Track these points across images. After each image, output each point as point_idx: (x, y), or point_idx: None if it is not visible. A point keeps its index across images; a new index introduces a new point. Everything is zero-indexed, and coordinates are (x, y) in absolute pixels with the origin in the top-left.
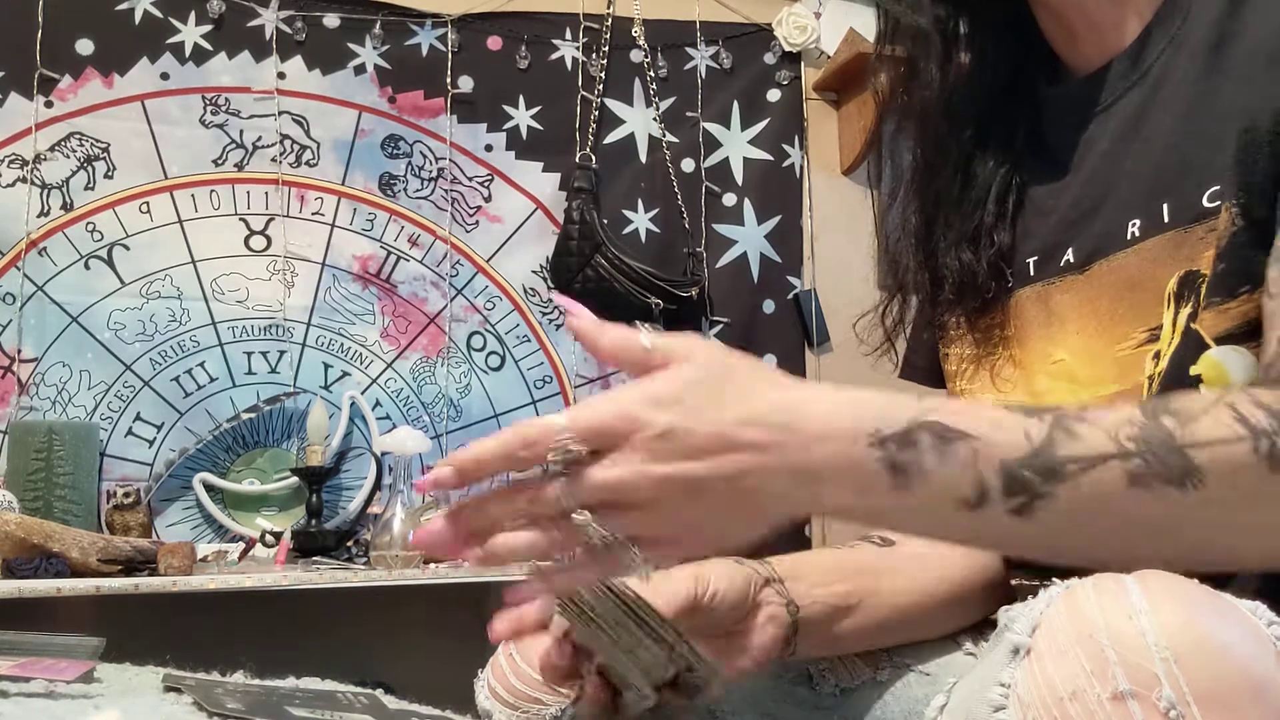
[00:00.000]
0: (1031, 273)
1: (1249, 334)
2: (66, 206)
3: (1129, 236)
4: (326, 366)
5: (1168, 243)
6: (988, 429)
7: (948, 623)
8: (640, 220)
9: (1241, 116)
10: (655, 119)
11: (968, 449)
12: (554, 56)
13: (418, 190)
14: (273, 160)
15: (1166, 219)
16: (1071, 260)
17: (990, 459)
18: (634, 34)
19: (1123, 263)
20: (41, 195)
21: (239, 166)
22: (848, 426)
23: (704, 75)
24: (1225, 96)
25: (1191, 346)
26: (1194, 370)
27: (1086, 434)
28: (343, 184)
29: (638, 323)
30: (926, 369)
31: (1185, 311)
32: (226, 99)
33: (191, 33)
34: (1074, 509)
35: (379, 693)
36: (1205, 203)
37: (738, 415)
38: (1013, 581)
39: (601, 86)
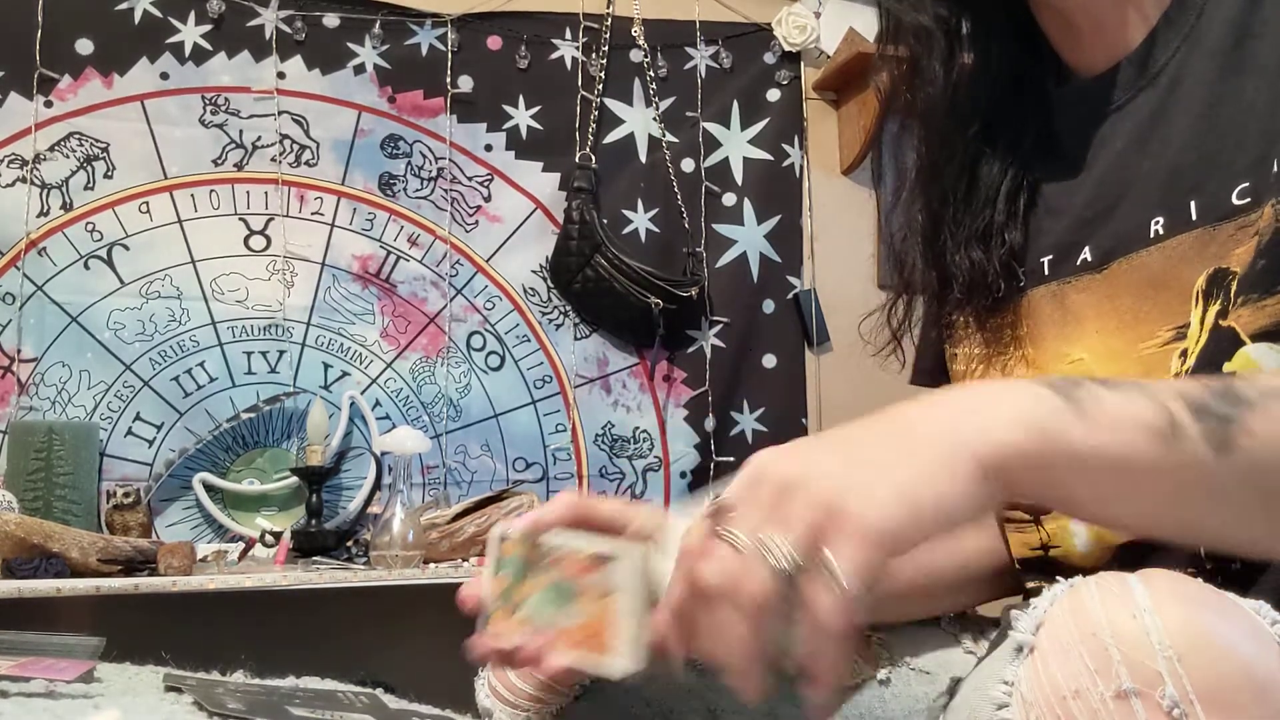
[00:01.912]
0: (1046, 272)
1: None
2: (66, 206)
3: (1151, 234)
4: (326, 366)
5: (1195, 240)
6: (1156, 383)
7: (955, 601)
8: (640, 220)
9: (1269, 113)
10: (655, 119)
11: (1135, 385)
12: (554, 56)
13: (417, 190)
14: (272, 160)
15: (1195, 217)
16: (1089, 259)
17: (1165, 389)
18: (634, 34)
19: (1145, 261)
20: (41, 195)
21: (239, 166)
22: (1015, 384)
23: (704, 75)
24: (1248, 94)
25: (1223, 343)
26: (1228, 367)
27: (1258, 378)
28: (342, 184)
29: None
30: (931, 370)
31: (1214, 309)
32: (226, 99)
33: (191, 33)
34: (1271, 439)
35: (379, 692)
36: (1235, 200)
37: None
38: (1027, 585)
39: (601, 86)
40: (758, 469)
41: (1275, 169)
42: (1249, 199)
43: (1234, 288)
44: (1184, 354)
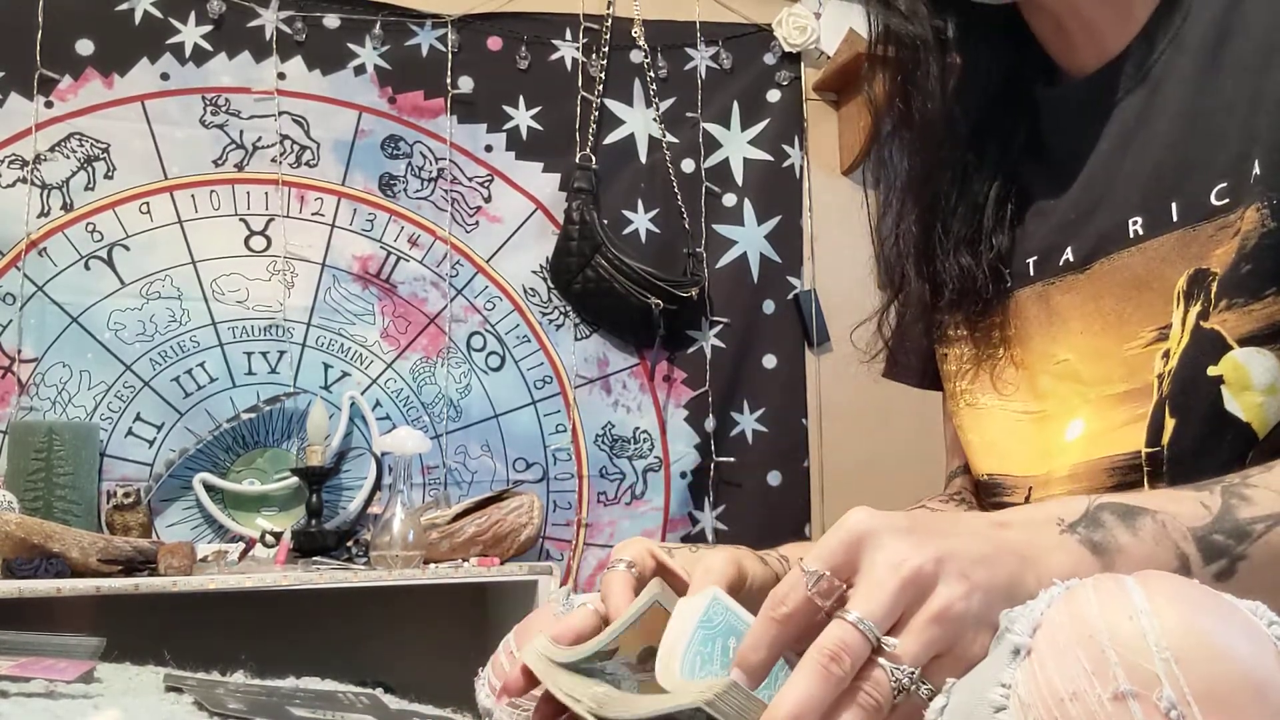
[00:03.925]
0: (1031, 273)
1: (1273, 335)
2: (66, 207)
3: (1131, 235)
4: (326, 367)
5: (1175, 241)
6: (1164, 503)
7: None
8: (640, 220)
9: (1248, 112)
10: (655, 119)
11: (1153, 522)
12: (554, 57)
13: (418, 190)
14: (273, 160)
15: (1175, 218)
16: (1071, 259)
17: (1178, 529)
18: (634, 34)
19: (1127, 261)
20: (41, 195)
21: (239, 167)
22: (1036, 518)
23: (704, 76)
24: (1228, 93)
25: (1207, 346)
26: (1214, 371)
27: (1258, 497)
28: (343, 184)
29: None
30: (919, 369)
31: (1195, 310)
32: (226, 99)
33: (191, 33)
34: (1268, 565)
35: (379, 692)
36: (1214, 200)
37: (973, 525)
38: None
39: (601, 87)
40: (902, 563)
41: (1257, 170)
42: (1227, 199)
43: (1214, 289)
44: (1166, 354)
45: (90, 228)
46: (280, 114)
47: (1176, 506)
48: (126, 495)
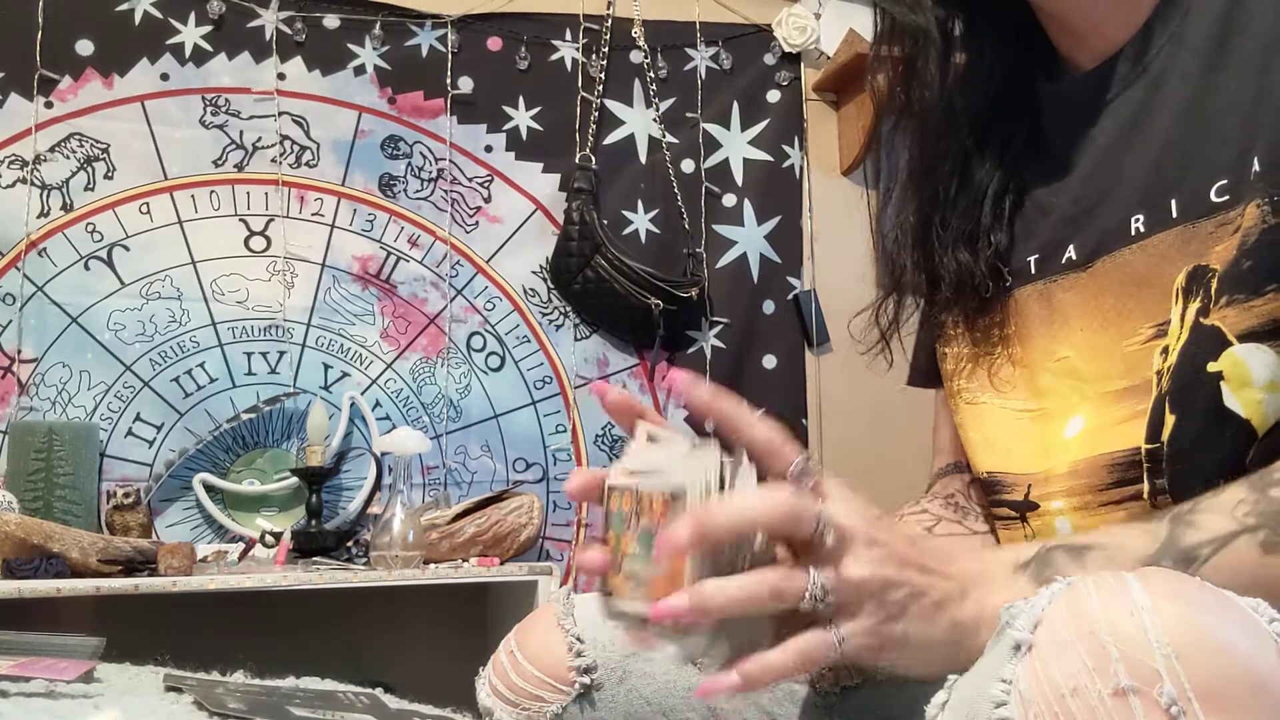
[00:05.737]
0: (1033, 271)
1: (1273, 332)
2: (66, 207)
3: (1133, 232)
4: (326, 367)
5: (1175, 238)
6: (1111, 538)
7: None
8: (640, 221)
9: (1251, 109)
10: (655, 120)
11: (1102, 555)
12: (554, 57)
13: (417, 191)
14: (273, 161)
15: (1175, 214)
16: (1074, 257)
17: (1125, 561)
18: (634, 35)
19: (1128, 259)
20: (41, 196)
21: (239, 167)
22: (994, 562)
23: (704, 76)
24: (1230, 90)
25: (1206, 342)
26: (1214, 367)
27: (1204, 522)
28: (342, 185)
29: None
30: (925, 371)
31: (1194, 306)
32: (226, 100)
33: (191, 33)
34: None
35: (379, 692)
36: (1214, 197)
37: (930, 558)
38: None
39: (601, 87)
40: (885, 564)
41: (1256, 167)
42: (1227, 196)
43: (1215, 285)
44: (1165, 351)
45: (90, 228)
46: (280, 114)
47: (1125, 540)
48: (126, 495)
